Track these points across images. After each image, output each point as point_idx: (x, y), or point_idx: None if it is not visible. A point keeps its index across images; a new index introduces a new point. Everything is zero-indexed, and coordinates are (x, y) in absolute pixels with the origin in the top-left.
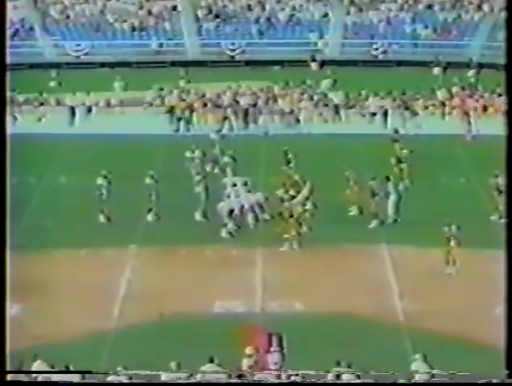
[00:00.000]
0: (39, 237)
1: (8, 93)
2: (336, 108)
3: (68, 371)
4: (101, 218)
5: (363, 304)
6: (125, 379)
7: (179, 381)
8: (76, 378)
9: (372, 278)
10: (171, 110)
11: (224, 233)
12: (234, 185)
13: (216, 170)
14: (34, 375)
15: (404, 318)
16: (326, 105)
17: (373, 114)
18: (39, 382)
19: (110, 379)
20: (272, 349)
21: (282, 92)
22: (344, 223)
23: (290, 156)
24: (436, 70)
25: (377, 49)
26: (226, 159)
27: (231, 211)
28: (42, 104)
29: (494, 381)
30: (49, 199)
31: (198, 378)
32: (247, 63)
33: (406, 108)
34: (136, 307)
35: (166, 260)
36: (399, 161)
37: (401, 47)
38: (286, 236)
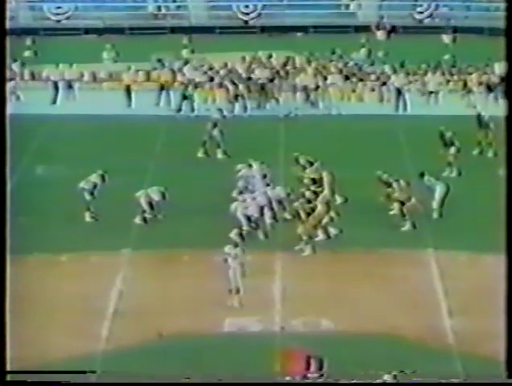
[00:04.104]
0: (11, 239)
1: None
2: (373, 84)
3: (67, 372)
4: (87, 217)
5: (404, 322)
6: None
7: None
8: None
9: (415, 291)
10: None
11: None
12: (252, 177)
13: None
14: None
15: (454, 340)
16: (361, 80)
17: (431, 92)
18: (38, 382)
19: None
20: (310, 374)
21: (305, 63)
22: (382, 223)
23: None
24: (445, 38)
25: (421, 12)
26: (239, 145)
27: (249, 218)
28: (12, 79)
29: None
30: (24, 193)
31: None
32: (263, 29)
33: (488, 88)
34: (129, 326)
35: (165, 268)
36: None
37: (450, 10)
38: (311, 238)
